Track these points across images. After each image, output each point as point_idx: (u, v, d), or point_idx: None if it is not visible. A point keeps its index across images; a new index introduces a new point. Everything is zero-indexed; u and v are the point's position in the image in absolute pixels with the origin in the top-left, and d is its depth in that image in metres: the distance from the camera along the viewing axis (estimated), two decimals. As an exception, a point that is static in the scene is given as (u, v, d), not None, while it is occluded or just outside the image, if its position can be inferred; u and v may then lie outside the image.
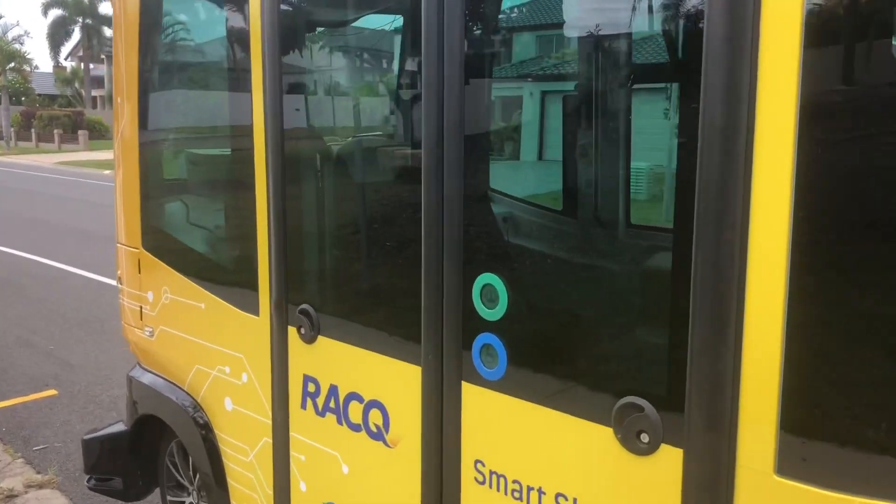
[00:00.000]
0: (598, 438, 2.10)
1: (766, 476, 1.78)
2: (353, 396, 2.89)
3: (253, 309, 3.32)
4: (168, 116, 4.01)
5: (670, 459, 1.95)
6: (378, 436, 2.80)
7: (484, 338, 2.38)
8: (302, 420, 3.14)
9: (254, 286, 3.29)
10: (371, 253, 2.97)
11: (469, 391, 2.45)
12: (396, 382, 2.70)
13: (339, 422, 2.96)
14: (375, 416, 2.80)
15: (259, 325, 3.29)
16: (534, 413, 2.26)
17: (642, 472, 2.01)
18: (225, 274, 3.64)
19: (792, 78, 1.66)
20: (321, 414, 3.04)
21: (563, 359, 2.28)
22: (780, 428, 1.75)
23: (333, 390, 2.97)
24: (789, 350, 1.72)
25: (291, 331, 3.13)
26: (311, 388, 3.07)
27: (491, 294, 2.35)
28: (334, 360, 2.96)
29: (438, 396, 2.54)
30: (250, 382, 3.41)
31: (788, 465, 1.75)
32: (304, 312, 3.04)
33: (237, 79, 3.39)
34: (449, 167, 2.38)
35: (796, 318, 1.71)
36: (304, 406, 3.12)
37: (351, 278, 3.05)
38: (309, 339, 3.04)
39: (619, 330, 2.24)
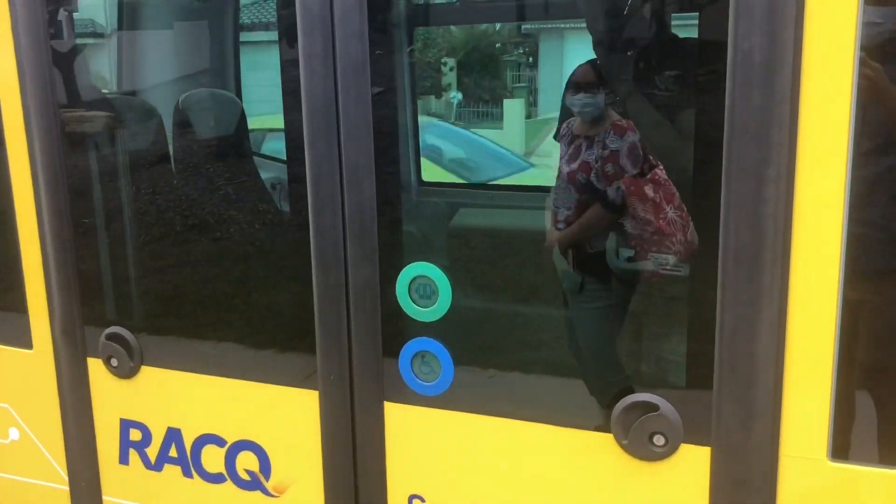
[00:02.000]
0: (590, 448, 1.74)
1: (817, 463, 1.56)
2: (209, 440, 2.19)
3: (20, 340, 2.40)
4: None
5: (693, 460, 1.65)
6: (253, 485, 2.15)
7: (417, 344, 1.87)
8: (122, 478, 2.35)
9: (19, 308, 2.37)
10: (221, 246, 2.25)
11: (395, 413, 1.92)
12: (278, 414, 2.08)
13: (187, 473, 2.24)
14: (247, 461, 2.15)
15: (34, 361, 2.38)
16: (496, 428, 1.82)
17: (654, 480, 1.69)
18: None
19: (851, -2, 1.38)
20: (155, 468, 2.28)
21: (536, 358, 1.86)
22: (836, 409, 1.53)
23: (174, 435, 2.23)
24: (846, 322, 1.49)
25: (94, 364, 2.30)
26: (136, 435, 2.29)
27: (425, 289, 1.83)
28: (171, 397, 2.22)
29: (347, 424, 1.97)
30: (25, 440, 2.49)
31: (845, 448, 1.54)
32: (114, 338, 2.23)
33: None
34: (349, 126, 1.79)
35: (854, 286, 1.48)
36: (124, 460, 2.33)
37: (191, 284, 2.30)
38: (125, 373, 2.25)
39: (621, 315, 1.88)
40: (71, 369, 2.32)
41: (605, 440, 1.71)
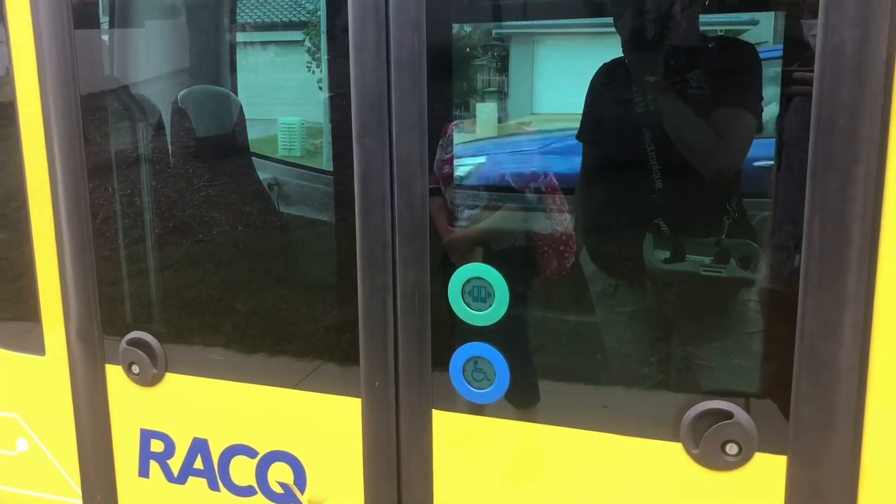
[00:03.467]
0: (653, 458, 1.67)
1: (900, 471, 1.51)
2: (239, 450, 2.08)
3: (32, 346, 2.27)
4: None
5: (767, 469, 1.59)
6: (287, 498, 2.05)
7: (469, 350, 1.78)
8: (141, 492, 2.23)
9: (30, 312, 2.24)
10: (255, 245, 2.14)
11: (444, 421, 1.84)
12: (317, 424, 1.98)
13: (214, 486, 2.13)
14: (280, 473, 2.04)
15: (46, 368, 2.26)
16: (555, 437, 1.74)
17: (726, 490, 1.63)
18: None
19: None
20: (178, 480, 2.17)
21: (599, 365, 1.79)
22: None
23: (200, 446, 2.12)
24: None
25: (113, 371, 2.18)
26: (158, 446, 2.18)
27: (479, 292, 1.75)
28: (198, 406, 2.11)
29: (391, 432, 1.88)
30: (35, 451, 2.36)
31: None
32: (136, 344, 2.12)
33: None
34: (401, 121, 1.71)
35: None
36: (144, 473, 2.21)
37: (223, 286, 2.19)
38: (148, 381, 2.14)
39: (690, 319, 1.81)
40: (87, 377, 2.20)
41: (674, 450, 1.64)
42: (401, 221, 1.75)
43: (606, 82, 2.64)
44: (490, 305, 1.74)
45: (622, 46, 2.38)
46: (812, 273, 1.47)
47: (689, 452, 1.62)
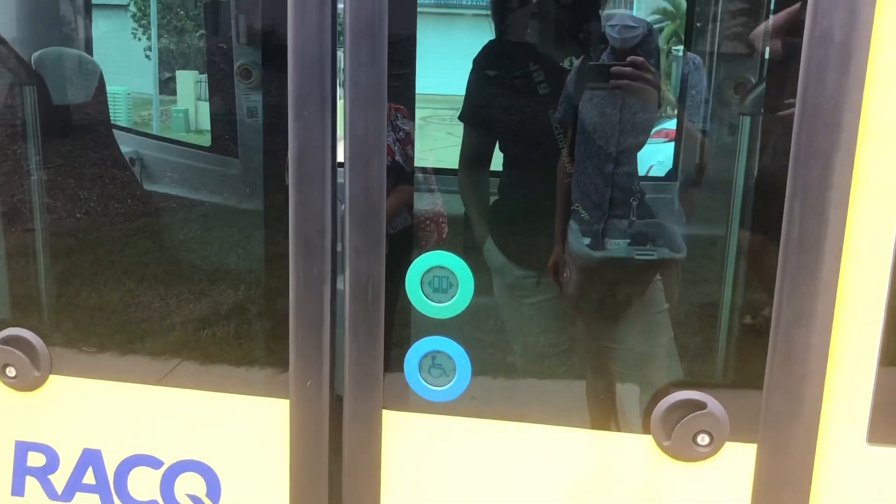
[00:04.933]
0: (621, 451, 1.61)
1: (855, 448, 1.55)
2: (140, 461, 1.81)
3: None
4: None
5: (736, 458, 1.58)
6: (199, 511, 1.81)
7: (426, 344, 1.64)
8: (14, 514, 1.89)
9: None
10: (161, 223, 1.86)
11: (396, 422, 1.68)
12: (234, 428, 1.75)
13: (108, 502, 1.84)
14: (191, 484, 1.80)
15: None
16: (518, 435, 1.64)
17: (694, 481, 1.60)
18: None
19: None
20: (63, 497, 1.86)
21: (565, 358, 1.69)
22: (876, 395, 1.52)
23: (91, 458, 1.83)
24: (892, 308, 1.48)
25: (-21, 374, 1.83)
26: (37, 460, 1.85)
27: (441, 282, 1.61)
28: (89, 412, 1.81)
29: (324, 437, 1.70)
30: None
31: (883, 432, 1.54)
32: (12, 342, 1.78)
33: None
34: (358, 94, 1.52)
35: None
36: (18, 491, 1.88)
37: (113, 274, 1.88)
38: (28, 385, 1.81)
39: (658, 308, 1.75)
40: (-56, 382, 1.83)
41: (643, 442, 1.60)
42: (354, 205, 1.57)
43: (501, 61, 2.54)
44: (452, 297, 1.61)
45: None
46: (790, 260, 1.46)
47: (659, 444, 1.58)
